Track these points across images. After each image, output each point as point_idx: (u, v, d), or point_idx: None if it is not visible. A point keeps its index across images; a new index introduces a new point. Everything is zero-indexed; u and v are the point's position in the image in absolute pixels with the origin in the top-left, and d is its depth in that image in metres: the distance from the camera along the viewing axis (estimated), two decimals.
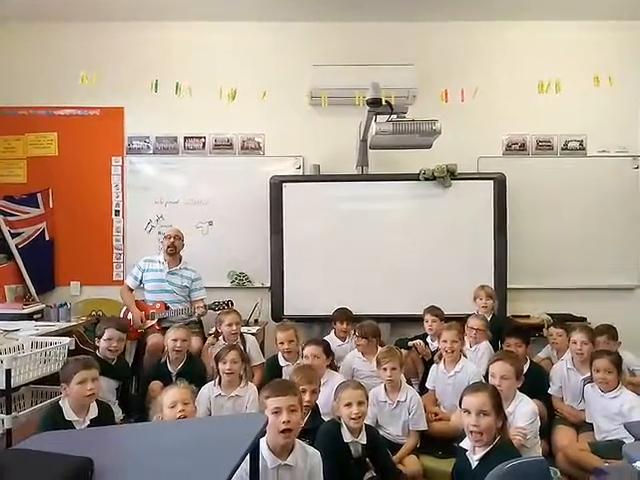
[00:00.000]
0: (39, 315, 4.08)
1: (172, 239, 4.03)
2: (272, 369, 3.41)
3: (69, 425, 2.45)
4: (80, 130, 4.64)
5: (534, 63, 4.47)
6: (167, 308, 3.94)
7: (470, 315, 3.65)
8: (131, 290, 4.09)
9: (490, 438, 2.05)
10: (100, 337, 3.17)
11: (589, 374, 3.05)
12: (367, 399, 2.47)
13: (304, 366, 2.95)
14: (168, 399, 2.31)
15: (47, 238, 4.67)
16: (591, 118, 4.56)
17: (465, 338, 3.38)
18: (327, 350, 3.20)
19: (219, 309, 3.89)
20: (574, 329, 3.25)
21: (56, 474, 1.17)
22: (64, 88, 4.54)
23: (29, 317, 3.92)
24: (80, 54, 4.53)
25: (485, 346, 3.46)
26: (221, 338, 3.60)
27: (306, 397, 2.46)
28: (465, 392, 2.20)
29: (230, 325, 3.56)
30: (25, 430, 2.57)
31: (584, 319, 4.19)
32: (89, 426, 2.48)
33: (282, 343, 3.38)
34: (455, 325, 3.31)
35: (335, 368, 3.31)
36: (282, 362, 3.40)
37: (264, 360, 3.71)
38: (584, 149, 4.64)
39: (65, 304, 4.13)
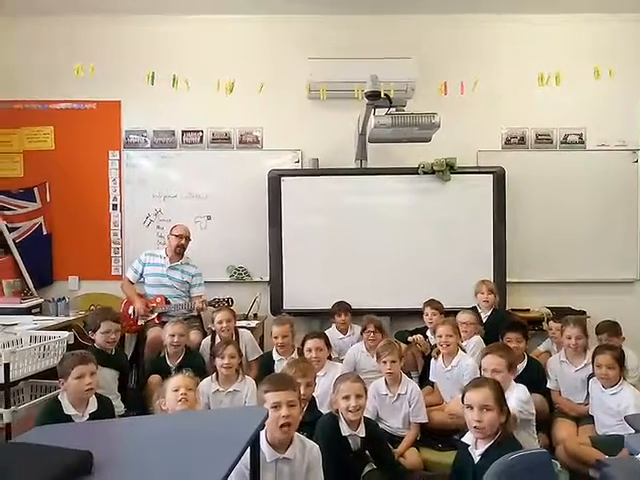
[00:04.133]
0: (37, 309, 4.08)
1: (183, 240, 3.98)
2: (265, 363, 3.40)
3: (68, 419, 2.44)
4: (77, 124, 4.60)
5: (534, 55, 4.44)
6: (167, 302, 3.92)
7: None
8: (132, 283, 4.06)
9: (492, 433, 2.04)
10: (95, 330, 3.14)
11: (582, 366, 3.07)
12: (366, 392, 2.46)
13: (298, 359, 2.97)
14: (172, 384, 2.37)
15: (45, 232, 4.64)
16: (591, 111, 4.55)
17: None
18: (328, 342, 3.24)
19: (219, 306, 3.85)
20: (568, 323, 3.23)
21: (56, 467, 1.15)
22: (60, 81, 4.49)
23: (27, 311, 3.92)
24: (76, 47, 4.48)
25: (476, 340, 3.46)
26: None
27: (301, 390, 2.45)
28: (467, 388, 2.18)
29: (220, 322, 3.54)
30: (24, 424, 2.56)
31: (583, 313, 4.19)
32: (88, 420, 2.47)
33: (276, 337, 3.36)
34: (449, 320, 3.34)
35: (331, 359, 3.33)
36: (275, 357, 3.37)
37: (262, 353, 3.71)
38: (583, 143, 4.62)
39: (63, 298, 4.12)
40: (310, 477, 2.04)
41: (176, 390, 2.34)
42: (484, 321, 3.80)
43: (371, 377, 3.07)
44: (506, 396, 2.41)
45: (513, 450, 1.73)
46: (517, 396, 2.49)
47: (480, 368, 2.70)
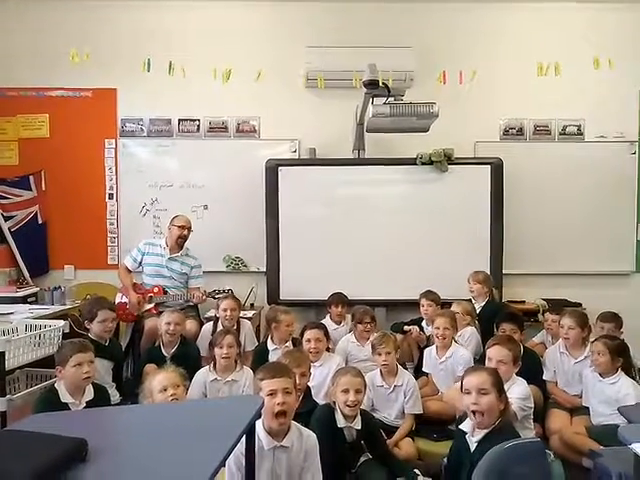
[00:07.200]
0: (33, 298, 4.07)
1: (185, 231, 3.95)
2: (260, 353, 3.37)
3: (65, 407, 2.44)
4: (72, 112, 4.56)
5: (534, 45, 4.42)
6: (165, 292, 3.90)
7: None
8: (129, 271, 4.04)
9: (492, 419, 2.04)
10: (92, 320, 3.13)
11: (582, 358, 3.08)
12: (365, 387, 2.46)
13: (293, 350, 2.97)
14: (158, 384, 2.30)
15: (40, 221, 4.61)
16: (590, 102, 4.53)
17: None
18: (327, 333, 3.23)
19: (223, 296, 3.83)
20: (564, 313, 3.25)
21: (50, 454, 1.15)
22: (55, 69, 4.44)
23: (23, 300, 3.92)
24: (71, 33, 4.42)
25: (470, 332, 3.47)
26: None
27: (296, 380, 2.45)
28: (465, 373, 2.19)
29: (225, 310, 3.55)
30: (20, 413, 2.56)
31: (579, 304, 4.20)
32: (85, 408, 2.47)
33: (288, 325, 3.33)
34: (448, 312, 3.34)
35: (329, 351, 3.31)
36: (270, 346, 3.34)
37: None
38: (582, 134, 4.61)
39: (59, 287, 4.12)
40: (307, 465, 2.04)
41: (164, 390, 2.26)
42: (478, 312, 3.81)
43: (362, 366, 3.04)
44: (507, 388, 2.42)
45: (510, 438, 1.73)
46: (518, 393, 2.49)
47: (485, 357, 2.70)
